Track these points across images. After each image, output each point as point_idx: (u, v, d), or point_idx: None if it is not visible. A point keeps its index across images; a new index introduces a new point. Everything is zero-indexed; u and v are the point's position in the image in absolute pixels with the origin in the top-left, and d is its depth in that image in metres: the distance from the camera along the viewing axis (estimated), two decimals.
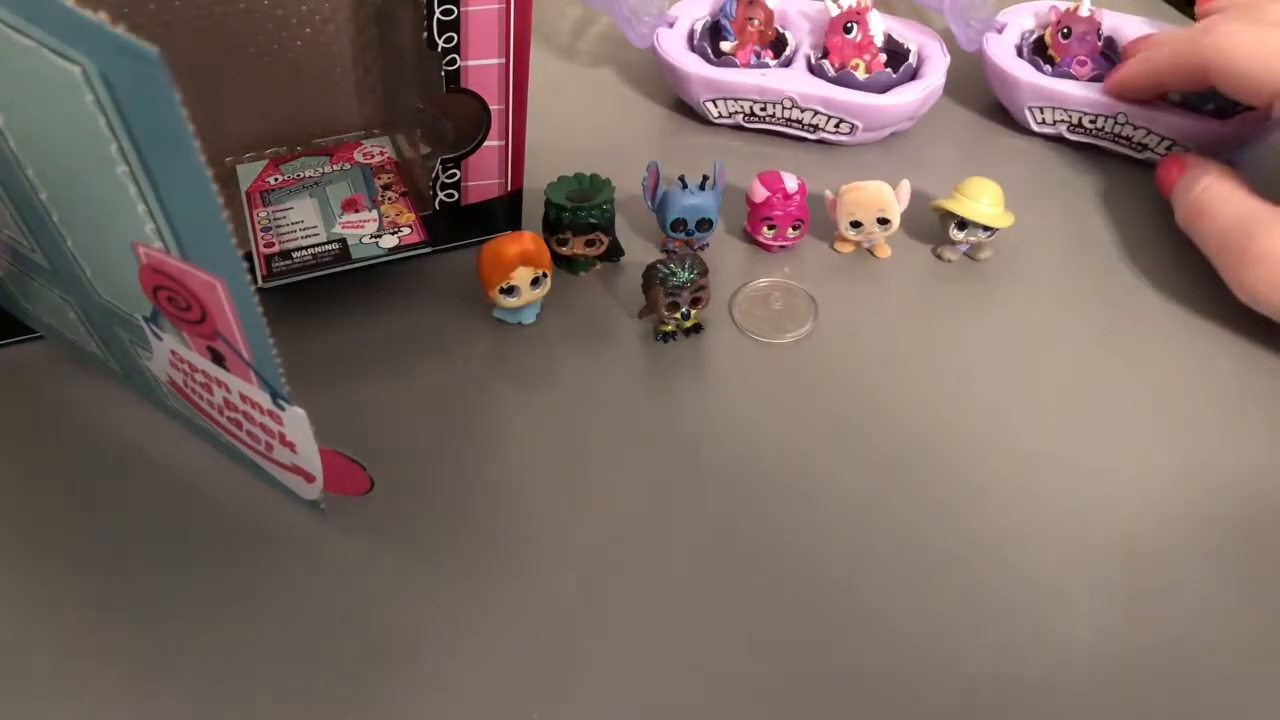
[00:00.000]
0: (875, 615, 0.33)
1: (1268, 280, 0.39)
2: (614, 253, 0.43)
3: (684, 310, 0.39)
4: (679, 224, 0.43)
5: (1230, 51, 0.41)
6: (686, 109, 0.53)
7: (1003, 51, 0.51)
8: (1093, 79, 0.50)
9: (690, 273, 0.39)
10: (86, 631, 0.32)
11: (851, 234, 0.44)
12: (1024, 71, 0.50)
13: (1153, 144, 0.49)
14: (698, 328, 0.41)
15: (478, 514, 0.35)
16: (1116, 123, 0.49)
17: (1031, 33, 0.53)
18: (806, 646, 0.32)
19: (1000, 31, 0.52)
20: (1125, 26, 0.52)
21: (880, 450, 0.37)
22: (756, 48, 0.51)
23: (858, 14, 0.50)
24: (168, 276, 0.28)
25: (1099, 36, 0.51)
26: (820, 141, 0.51)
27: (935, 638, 0.32)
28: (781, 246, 0.45)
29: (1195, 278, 0.43)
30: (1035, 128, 0.51)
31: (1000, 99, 0.53)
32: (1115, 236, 0.46)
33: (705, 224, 0.43)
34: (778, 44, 0.52)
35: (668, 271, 0.39)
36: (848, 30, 0.50)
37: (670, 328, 0.41)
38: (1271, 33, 0.41)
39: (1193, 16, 0.50)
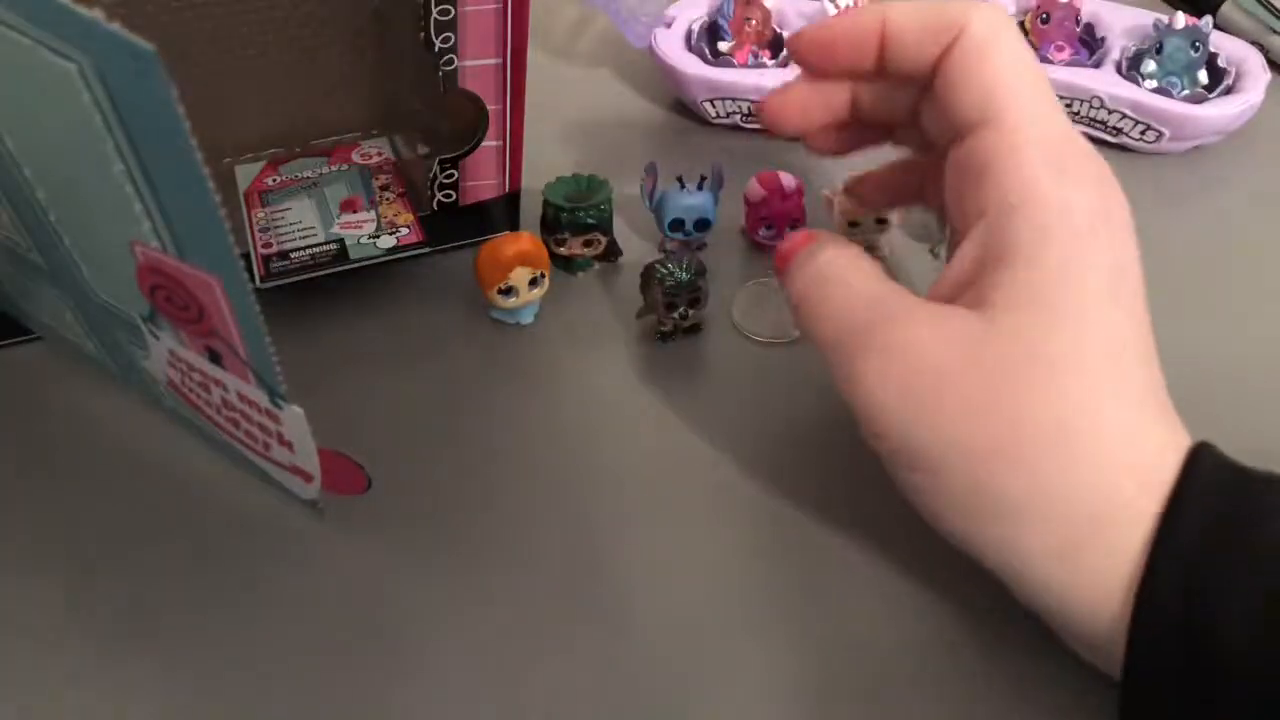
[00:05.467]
0: (873, 607, 0.33)
1: (897, 385, 0.29)
2: (612, 253, 0.43)
3: (682, 310, 0.39)
4: (677, 224, 0.43)
5: None
6: (685, 109, 0.53)
7: None
8: (1070, 64, 0.50)
9: (688, 273, 0.39)
10: (85, 630, 0.32)
11: (850, 234, 0.44)
12: None
13: (1128, 128, 0.49)
14: (696, 328, 0.41)
15: (476, 514, 0.35)
16: (1092, 107, 0.49)
17: (1012, 18, 0.53)
18: (804, 645, 0.32)
19: None
20: (1104, 13, 0.52)
21: None
22: (754, 48, 0.51)
23: None
24: (165, 275, 0.28)
25: (1077, 22, 0.52)
26: None
27: (945, 620, 0.32)
28: None
29: (1200, 276, 0.43)
30: None
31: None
32: None
33: (703, 224, 0.43)
34: (775, 44, 0.52)
35: (666, 272, 0.39)
36: None
37: (668, 328, 0.41)
38: None
39: (1186, 10, 0.51)
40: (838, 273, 0.32)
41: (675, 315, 0.40)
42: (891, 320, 0.30)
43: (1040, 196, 0.29)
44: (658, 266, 0.39)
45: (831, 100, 0.35)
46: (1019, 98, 0.30)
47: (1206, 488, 0.27)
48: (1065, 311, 0.28)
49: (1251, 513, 0.27)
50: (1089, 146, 0.31)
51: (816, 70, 0.34)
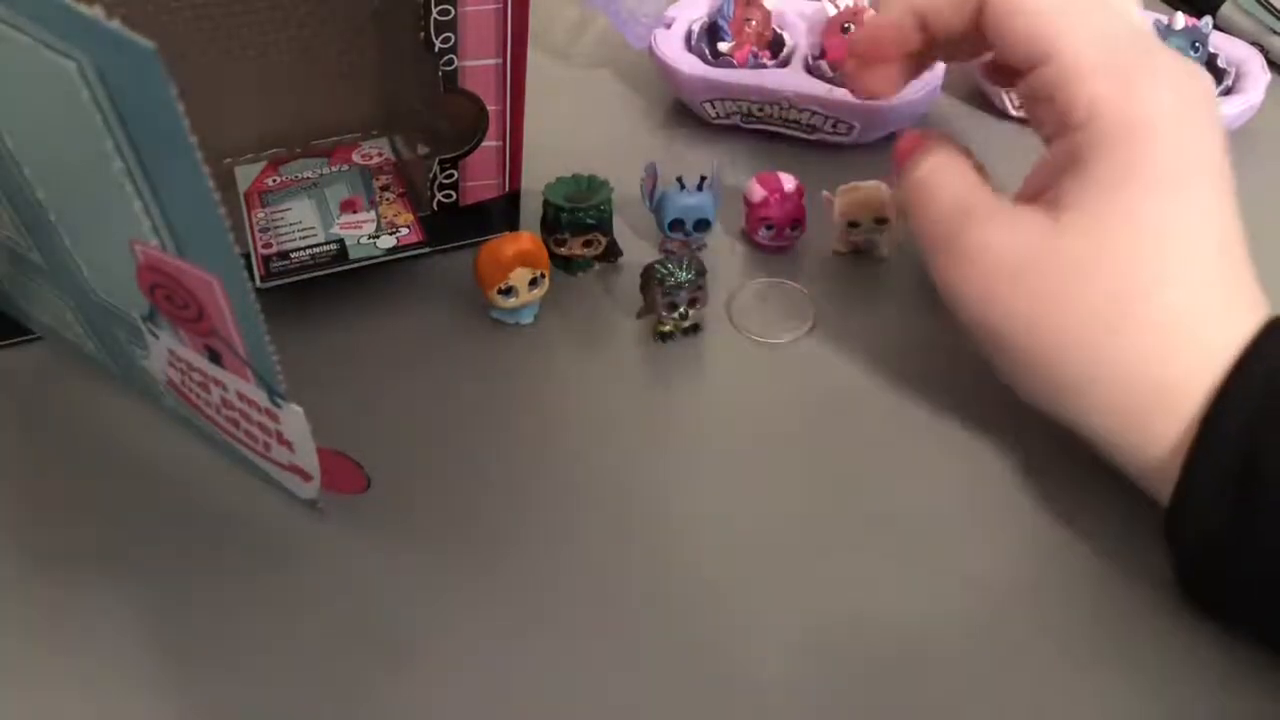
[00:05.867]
0: (873, 606, 0.33)
1: (976, 282, 0.33)
2: (612, 253, 0.43)
3: (682, 310, 0.39)
4: (677, 224, 0.43)
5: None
6: (685, 109, 0.53)
7: None
8: None
9: (688, 273, 0.39)
10: (85, 631, 0.32)
11: (850, 234, 0.44)
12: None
13: None
14: (696, 328, 0.41)
15: (475, 514, 0.35)
16: None
17: None
18: (809, 644, 0.32)
19: None
20: None
21: (880, 449, 0.37)
22: (754, 48, 0.51)
23: (855, 14, 0.50)
24: (164, 274, 0.28)
25: None
26: (818, 142, 0.51)
27: (959, 617, 0.32)
28: (780, 247, 0.45)
29: None
30: (1014, 112, 0.52)
31: (981, 85, 0.53)
32: None
33: (703, 224, 0.43)
34: (775, 44, 0.52)
35: (666, 272, 0.39)
36: (845, 30, 0.50)
37: (669, 328, 0.41)
38: None
39: (1186, 10, 0.51)
40: (934, 179, 0.36)
41: (675, 315, 0.40)
42: (969, 227, 0.34)
43: (1101, 114, 0.31)
44: (658, 266, 0.39)
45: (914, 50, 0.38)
46: (1061, 37, 0.32)
47: (1275, 353, 0.30)
48: (1126, 210, 0.31)
49: None
50: (1155, 58, 0.32)
51: (882, 61, 0.38)
